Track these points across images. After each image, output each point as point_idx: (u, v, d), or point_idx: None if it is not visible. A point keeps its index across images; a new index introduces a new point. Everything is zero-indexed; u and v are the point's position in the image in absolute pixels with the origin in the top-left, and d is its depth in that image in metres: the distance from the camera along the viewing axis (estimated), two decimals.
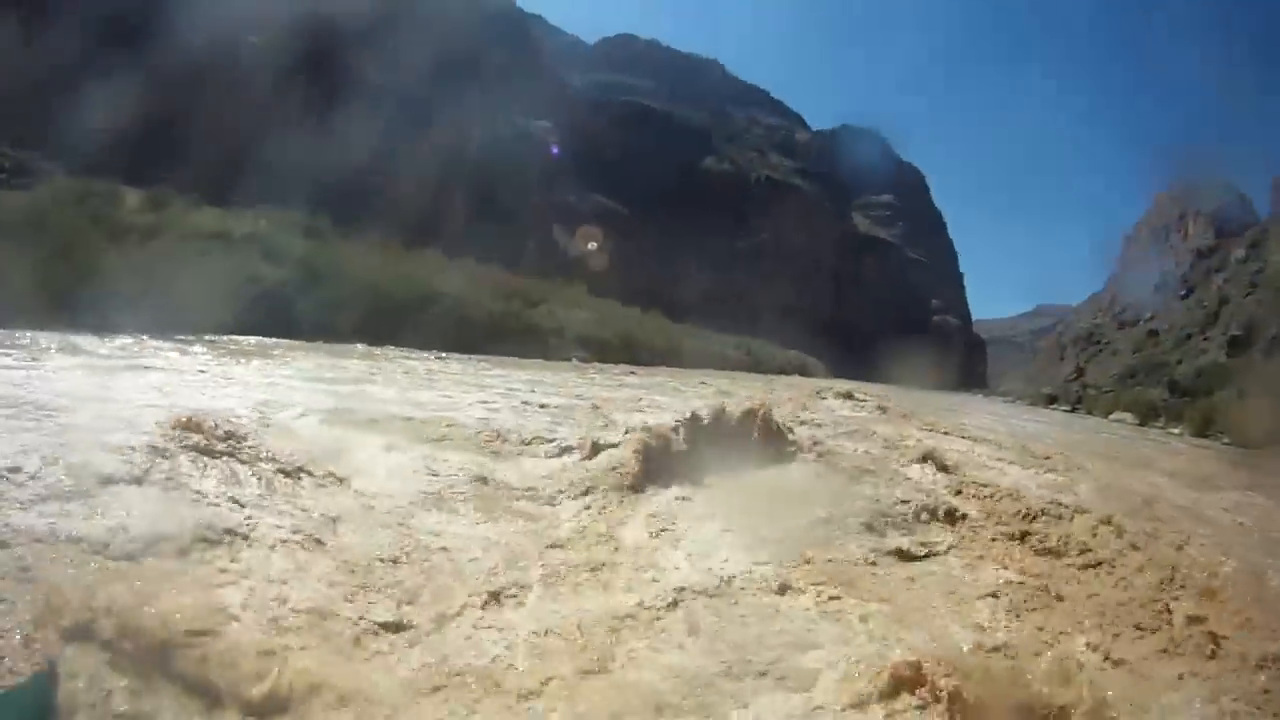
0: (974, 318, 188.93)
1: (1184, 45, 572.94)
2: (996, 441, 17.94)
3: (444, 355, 25.05)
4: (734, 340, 68.52)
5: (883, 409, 21.89)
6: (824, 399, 23.33)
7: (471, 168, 66.20)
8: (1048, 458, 15.50)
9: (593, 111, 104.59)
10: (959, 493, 9.97)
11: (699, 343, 58.12)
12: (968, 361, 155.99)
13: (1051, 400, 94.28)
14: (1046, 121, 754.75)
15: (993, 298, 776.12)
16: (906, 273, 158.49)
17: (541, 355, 32.83)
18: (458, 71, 66.45)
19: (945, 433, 17.88)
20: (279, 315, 23.02)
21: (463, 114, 65.78)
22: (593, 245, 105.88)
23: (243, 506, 5.92)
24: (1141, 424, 62.68)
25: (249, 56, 53.18)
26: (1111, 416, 68.16)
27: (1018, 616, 6.72)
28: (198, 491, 5.95)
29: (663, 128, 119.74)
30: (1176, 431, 55.68)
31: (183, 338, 17.45)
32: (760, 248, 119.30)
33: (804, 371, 71.30)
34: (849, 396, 24.39)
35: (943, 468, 11.19)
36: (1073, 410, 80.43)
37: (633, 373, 29.49)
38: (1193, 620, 6.38)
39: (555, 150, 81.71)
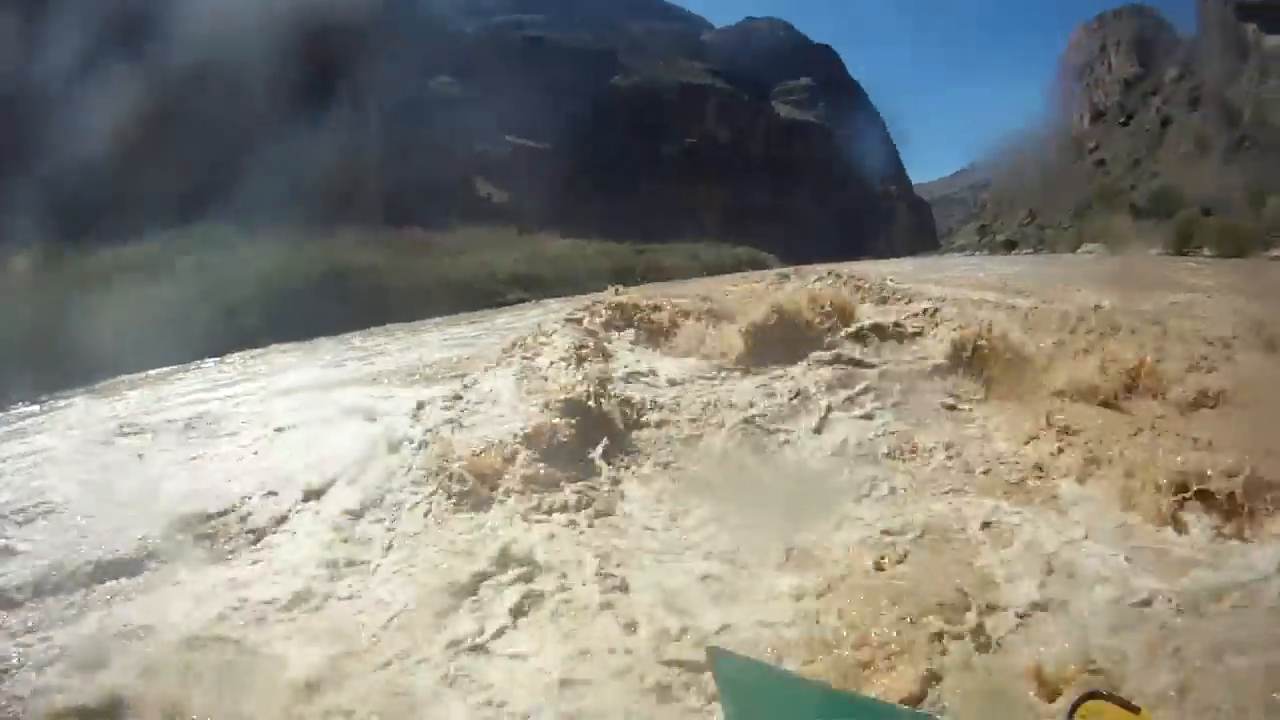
0: (915, 181, 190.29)
1: None
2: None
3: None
4: (683, 249, 66.56)
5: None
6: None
7: (378, 138, 64.26)
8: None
9: (491, 54, 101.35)
10: None
11: (644, 258, 56.15)
12: (916, 226, 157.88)
13: (1011, 246, 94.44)
14: None
15: (930, 160, 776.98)
16: (838, 150, 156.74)
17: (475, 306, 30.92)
18: (345, 45, 63.52)
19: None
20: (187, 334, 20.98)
21: (357, 86, 63.72)
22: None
23: None
24: (1113, 252, 62.69)
25: None
26: (1080, 250, 68.13)
27: None
28: None
29: (564, 56, 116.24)
30: (1153, 252, 56.80)
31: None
32: (688, 154, 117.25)
33: (758, 265, 69.41)
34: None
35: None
36: (1035, 252, 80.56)
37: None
38: None
39: None
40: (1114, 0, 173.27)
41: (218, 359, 20.19)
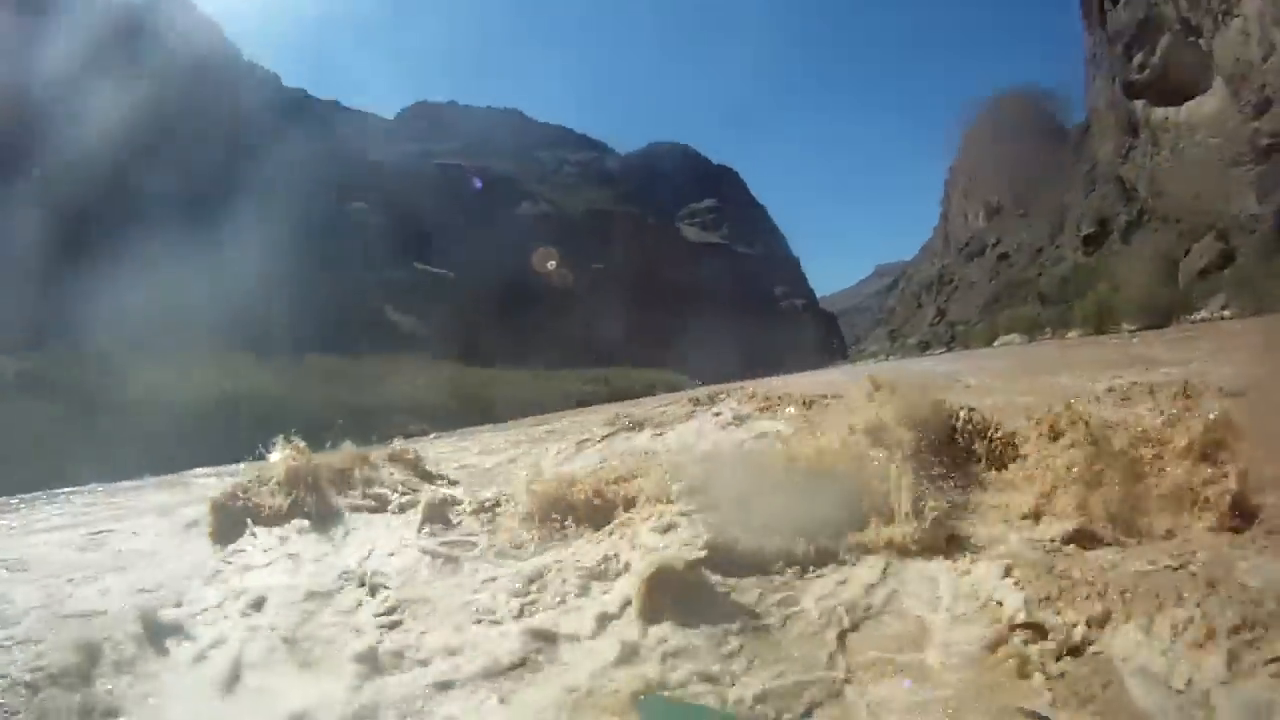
0: (819, 294, 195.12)
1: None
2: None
3: None
4: (588, 376, 64.36)
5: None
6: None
7: (291, 260, 63.09)
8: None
9: (403, 182, 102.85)
10: None
11: (548, 385, 53.76)
12: (824, 337, 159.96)
13: (925, 346, 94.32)
14: (844, 98, 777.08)
15: (833, 271, 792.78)
16: (743, 269, 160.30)
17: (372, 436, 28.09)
18: (256, 168, 65.26)
19: None
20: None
21: (271, 208, 63.09)
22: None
23: None
24: (1030, 339, 65.61)
25: None
26: (997, 342, 68.24)
27: None
28: None
29: (469, 185, 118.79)
30: (1073, 334, 58.24)
31: None
32: (597, 280, 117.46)
33: (673, 387, 68.68)
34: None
35: None
36: (948, 349, 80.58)
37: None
38: None
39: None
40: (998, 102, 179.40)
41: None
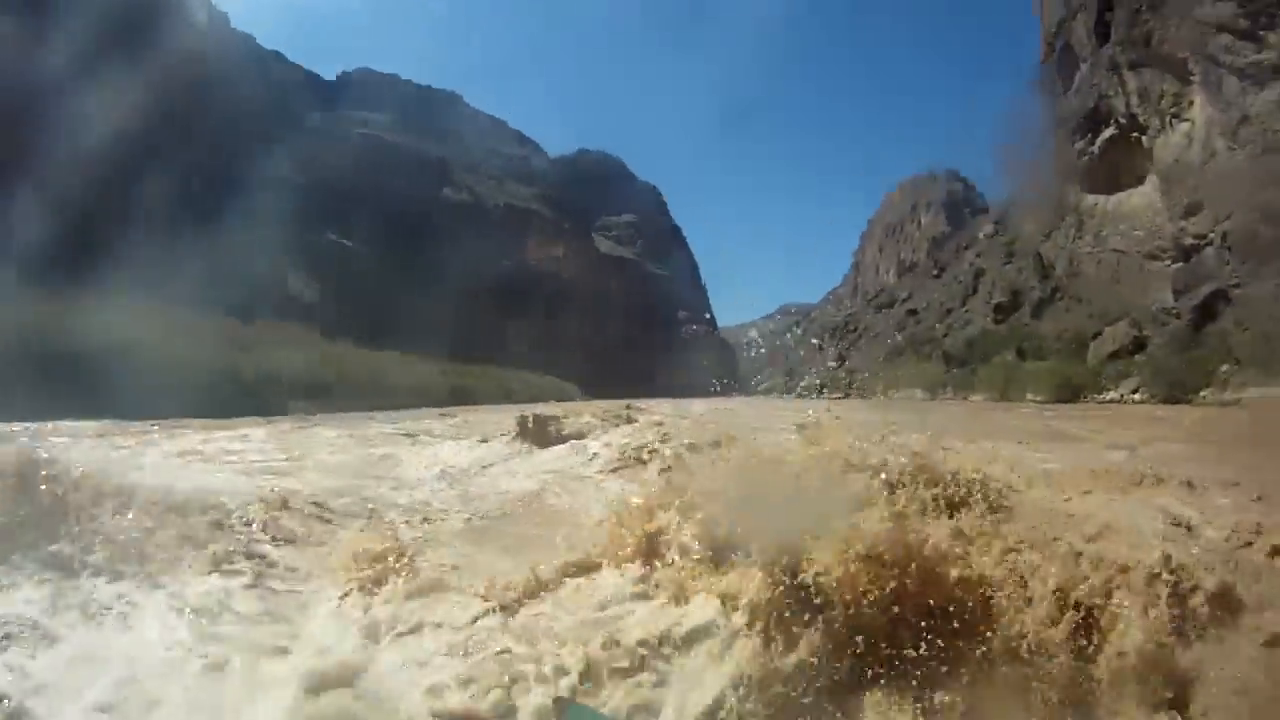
0: (721, 324, 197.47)
1: (901, 52, 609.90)
2: None
3: None
4: (478, 371, 62.66)
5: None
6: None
7: (197, 212, 61.06)
8: None
9: (328, 147, 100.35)
10: None
11: (446, 379, 51.56)
12: (720, 366, 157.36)
13: (819, 390, 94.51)
14: (774, 134, 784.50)
15: (737, 304, 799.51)
16: (651, 288, 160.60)
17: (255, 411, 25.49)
18: (182, 111, 63.76)
19: None
20: None
21: (182, 151, 62.28)
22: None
23: None
24: (932, 396, 67.43)
25: None
26: (895, 394, 69.04)
27: None
28: None
29: (399, 160, 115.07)
30: (977, 398, 60.58)
31: None
32: (504, 276, 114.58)
33: (562, 396, 69.88)
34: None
35: None
36: (846, 396, 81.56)
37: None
38: None
39: None
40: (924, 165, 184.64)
41: None
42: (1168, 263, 61.45)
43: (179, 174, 59.80)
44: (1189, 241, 58.45)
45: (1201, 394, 40.95)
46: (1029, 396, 55.02)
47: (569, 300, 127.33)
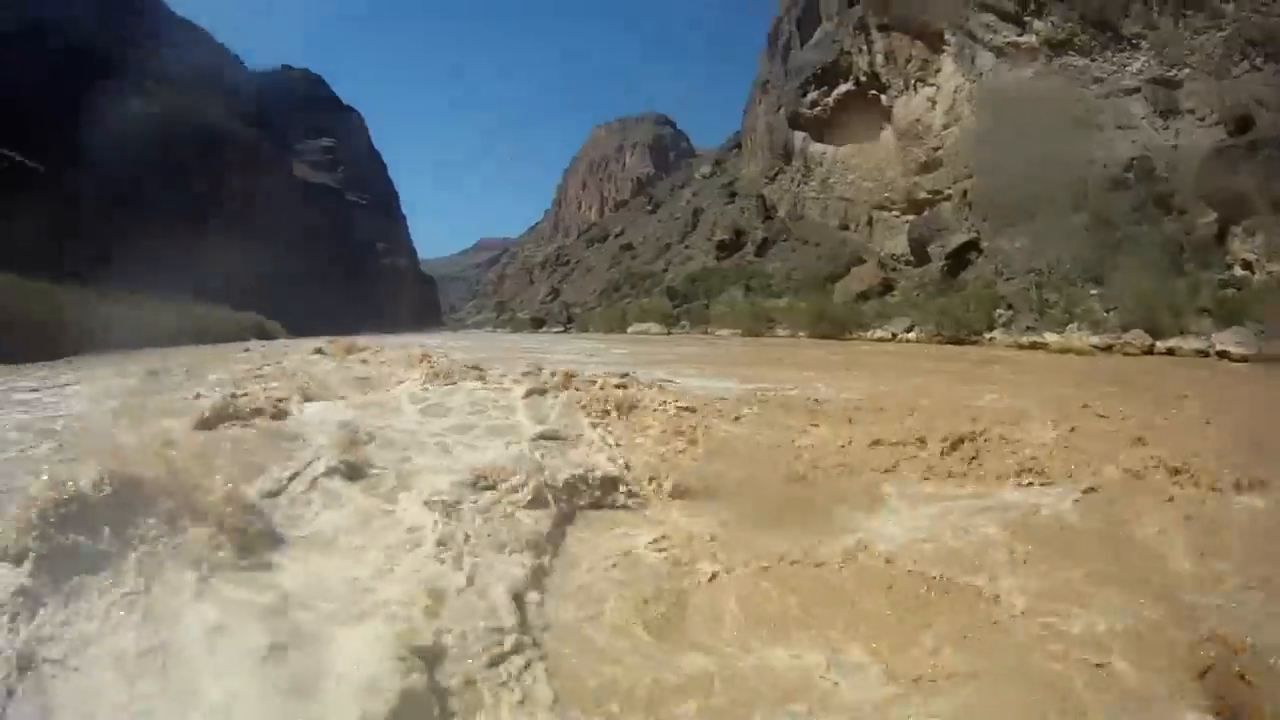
0: (421, 257, 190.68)
1: None
2: None
3: None
4: (174, 308, 55.78)
5: None
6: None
7: None
8: None
9: None
10: None
11: (128, 312, 44.75)
12: (420, 301, 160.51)
13: (539, 324, 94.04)
14: (482, 63, 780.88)
15: (435, 236, 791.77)
16: (350, 217, 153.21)
17: None
18: None
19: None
20: None
21: None
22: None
23: None
24: (668, 332, 67.76)
25: None
26: (630, 329, 68.76)
27: None
28: None
29: (88, 63, 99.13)
30: (724, 333, 61.63)
31: None
32: (196, 201, 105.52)
33: (265, 335, 65.22)
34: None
35: None
36: (565, 330, 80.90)
37: None
38: None
39: None
40: (634, 108, 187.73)
41: None
42: (897, 214, 65.71)
43: None
44: (923, 196, 61.91)
45: (988, 335, 41.72)
46: (779, 332, 56.35)
47: (266, 230, 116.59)
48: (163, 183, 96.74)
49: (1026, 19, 53.10)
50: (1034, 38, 52.78)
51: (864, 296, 59.84)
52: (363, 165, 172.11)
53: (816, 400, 12.66)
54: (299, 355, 24.24)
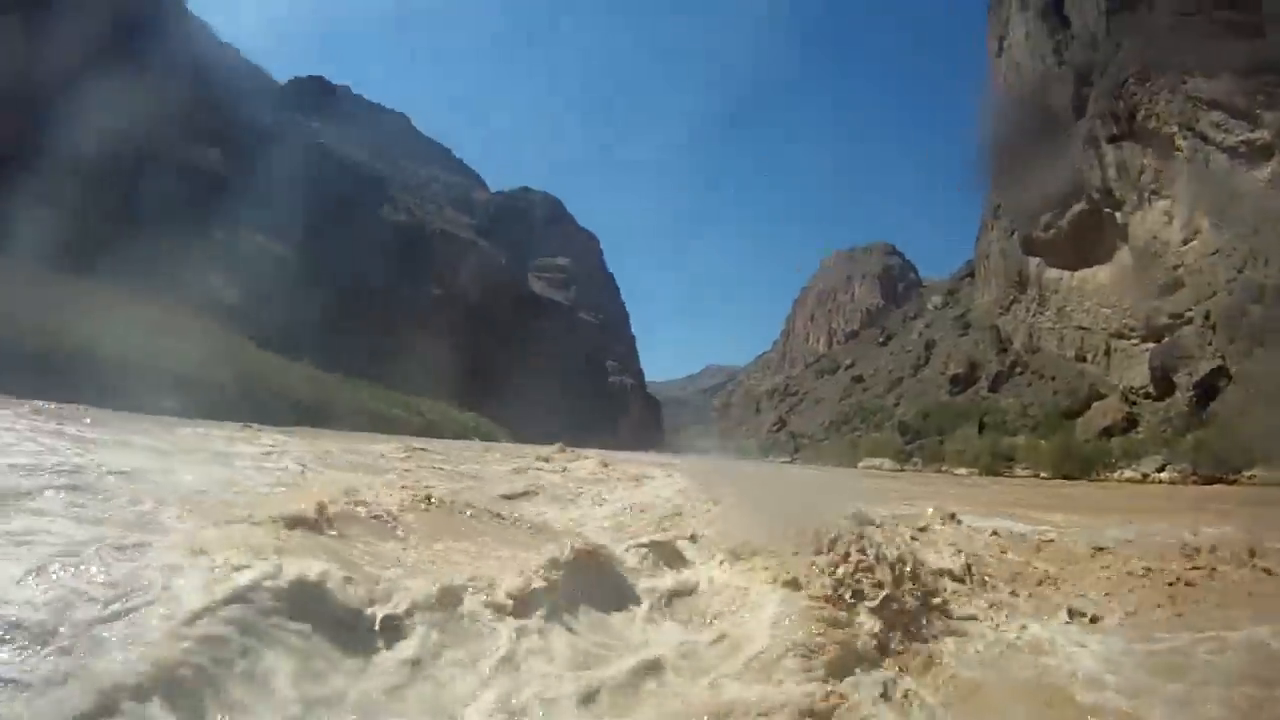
0: (647, 379, 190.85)
1: (843, 116, 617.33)
2: None
3: None
4: (401, 399, 57.35)
5: None
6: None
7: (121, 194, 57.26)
8: None
9: (266, 145, 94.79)
10: None
11: (357, 397, 46.38)
12: (644, 421, 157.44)
13: (765, 452, 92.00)
14: (714, 193, 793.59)
15: (663, 360, 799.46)
16: (582, 335, 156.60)
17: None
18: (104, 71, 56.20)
19: None
20: None
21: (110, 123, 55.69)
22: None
23: None
24: (900, 468, 63.21)
25: None
26: (861, 464, 65.80)
27: None
28: None
29: (338, 169, 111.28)
30: (962, 472, 56.04)
31: None
32: (434, 304, 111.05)
33: (485, 436, 65.27)
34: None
35: None
36: (791, 460, 78.56)
37: None
38: None
39: None
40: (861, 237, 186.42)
41: None
42: (1136, 341, 60.50)
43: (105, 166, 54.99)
44: (1164, 321, 56.91)
45: (1248, 474, 38.33)
46: (1018, 471, 52.78)
47: (499, 338, 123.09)
48: (398, 282, 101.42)
49: (1257, 112, 49.58)
50: (1266, 133, 49.04)
51: (1107, 433, 56.22)
52: (595, 285, 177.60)
53: None
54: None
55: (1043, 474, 49.94)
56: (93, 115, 49.73)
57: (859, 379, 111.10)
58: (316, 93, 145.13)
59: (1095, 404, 61.03)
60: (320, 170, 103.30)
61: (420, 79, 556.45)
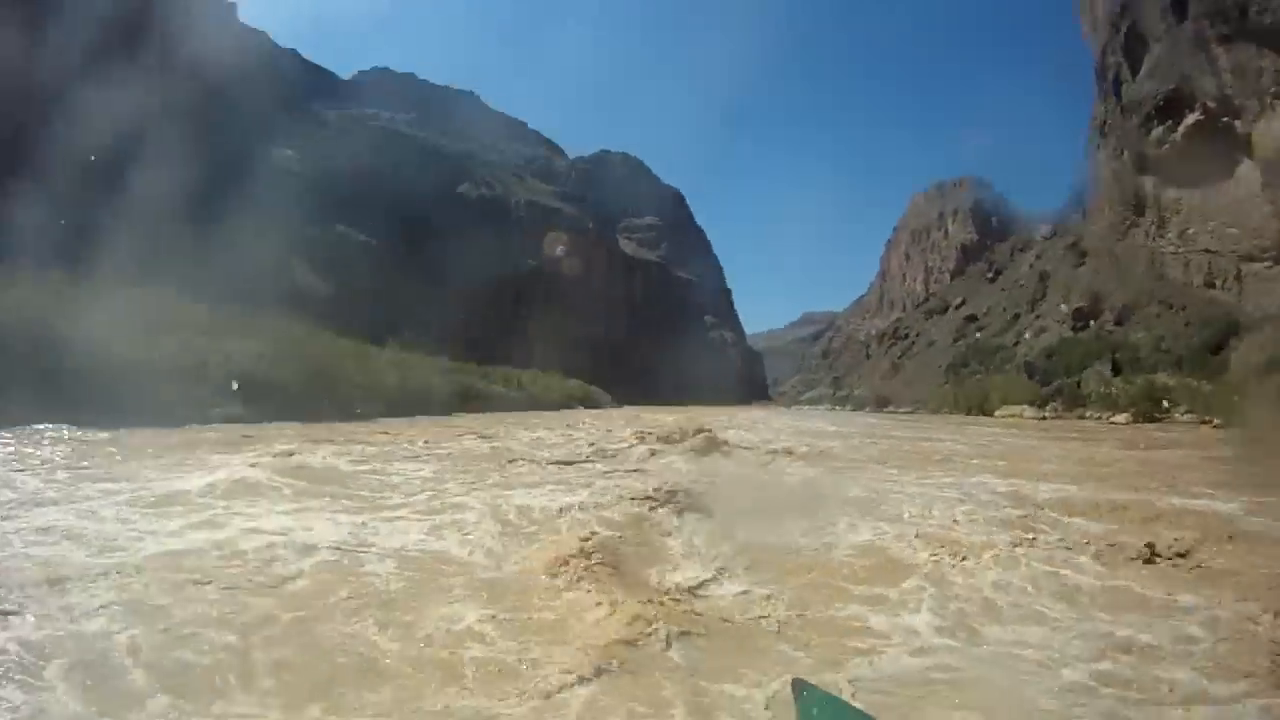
0: (746, 332, 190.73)
1: (925, 51, 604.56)
2: None
3: None
4: (501, 374, 56.54)
5: None
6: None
7: (201, 204, 56.94)
8: None
9: (341, 142, 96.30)
10: None
11: (448, 379, 45.18)
12: (747, 375, 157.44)
13: (884, 403, 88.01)
14: (798, 136, 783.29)
15: (757, 311, 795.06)
16: (676, 292, 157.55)
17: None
18: (187, 106, 59.82)
19: None
20: None
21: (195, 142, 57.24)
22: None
23: None
24: (1041, 416, 54.68)
25: None
26: (998, 413, 58.82)
27: None
28: None
29: (414, 155, 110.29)
30: (1120, 418, 46.63)
31: None
32: (527, 275, 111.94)
33: (590, 402, 65.59)
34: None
35: None
36: (913, 412, 73.23)
37: None
38: None
39: None
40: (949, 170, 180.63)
41: None
42: (1269, 264, 55.69)
43: (183, 167, 54.58)
44: None
45: None
46: (1176, 416, 44.42)
47: (594, 303, 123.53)
48: (488, 259, 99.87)
49: None
50: None
51: (1273, 366, 50.35)
52: (686, 243, 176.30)
53: None
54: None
55: (1211, 419, 39.86)
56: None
57: (972, 318, 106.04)
58: (383, 81, 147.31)
59: (1247, 336, 53.52)
60: (400, 156, 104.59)
61: (486, 56, 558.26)
